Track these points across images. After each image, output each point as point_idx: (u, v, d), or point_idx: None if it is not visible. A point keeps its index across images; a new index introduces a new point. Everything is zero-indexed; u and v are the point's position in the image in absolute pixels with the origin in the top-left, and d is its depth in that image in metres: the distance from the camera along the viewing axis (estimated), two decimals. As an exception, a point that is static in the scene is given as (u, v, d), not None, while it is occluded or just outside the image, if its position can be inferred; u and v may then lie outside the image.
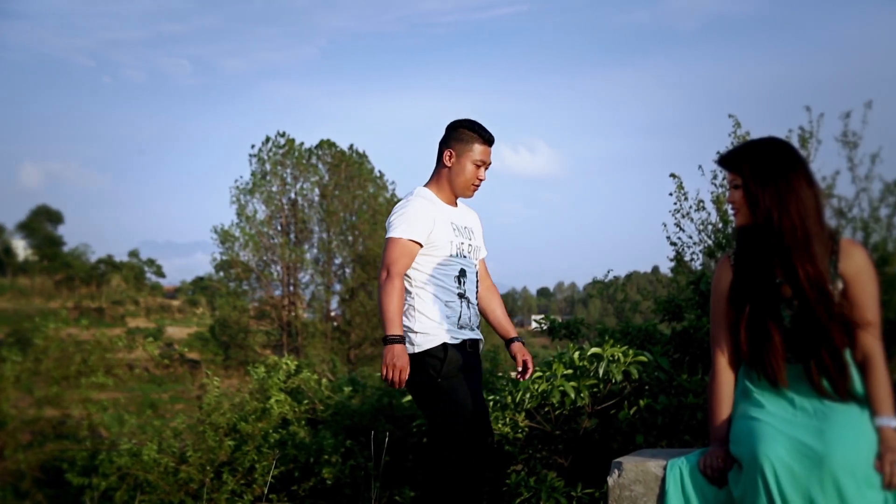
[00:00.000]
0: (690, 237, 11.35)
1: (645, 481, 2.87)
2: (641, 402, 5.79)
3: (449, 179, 4.11)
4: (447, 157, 4.08)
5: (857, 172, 10.24)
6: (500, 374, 8.27)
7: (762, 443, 2.57)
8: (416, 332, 3.96)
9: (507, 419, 5.90)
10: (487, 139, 4.07)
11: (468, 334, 4.06)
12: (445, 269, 4.02)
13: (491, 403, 5.98)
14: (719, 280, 2.96)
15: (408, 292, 4.04)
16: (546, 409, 6.01)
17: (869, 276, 2.82)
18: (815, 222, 2.79)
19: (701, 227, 11.27)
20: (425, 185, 4.17)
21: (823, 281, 2.76)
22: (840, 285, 2.81)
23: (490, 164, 4.12)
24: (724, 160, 2.96)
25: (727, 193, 2.97)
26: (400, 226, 3.96)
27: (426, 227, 3.96)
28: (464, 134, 4.08)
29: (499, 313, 4.33)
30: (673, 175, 11.32)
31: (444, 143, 4.13)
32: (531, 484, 5.66)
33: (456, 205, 4.20)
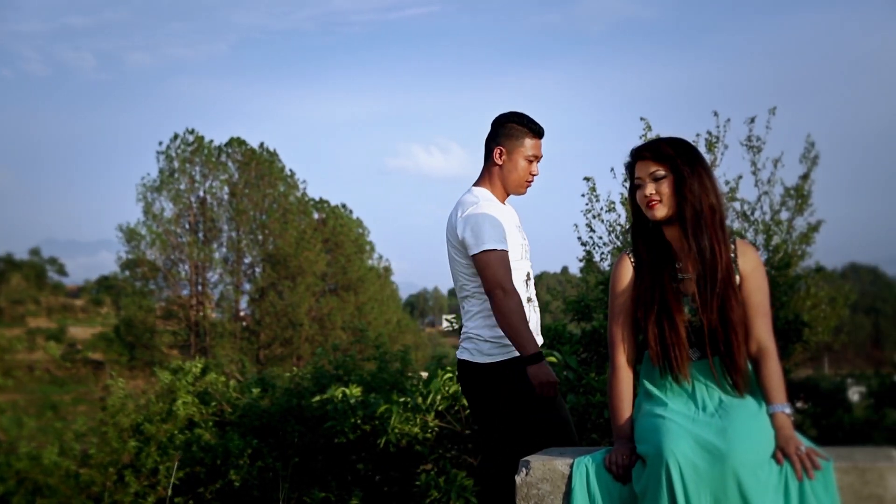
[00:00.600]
0: (601, 238, 11.51)
1: (552, 479, 2.89)
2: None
3: (501, 178, 3.85)
4: (497, 155, 3.84)
5: (759, 176, 10.54)
6: (409, 374, 8.27)
7: (667, 439, 2.62)
8: (503, 337, 3.66)
9: (418, 420, 5.90)
10: (538, 132, 3.86)
11: (538, 340, 3.80)
12: (517, 274, 3.73)
13: (402, 405, 5.96)
14: (619, 278, 2.98)
15: (481, 298, 3.73)
16: (456, 409, 6.02)
17: (762, 273, 2.94)
18: (723, 214, 2.92)
19: (611, 229, 11.44)
20: (477, 185, 3.92)
21: (732, 269, 2.86)
22: (738, 281, 2.89)
23: (542, 157, 3.89)
24: (649, 152, 2.95)
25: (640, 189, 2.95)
26: (493, 235, 3.65)
27: (507, 231, 3.72)
28: (513, 129, 3.83)
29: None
30: (587, 178, 11.47)
31: (493, 140, 3.88)
32: (441, 484, 5.66)
33: (505, 203, 3.95)
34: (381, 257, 38.38)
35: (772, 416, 2.74)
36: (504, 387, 3.67)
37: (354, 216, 37.44)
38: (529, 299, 3.79)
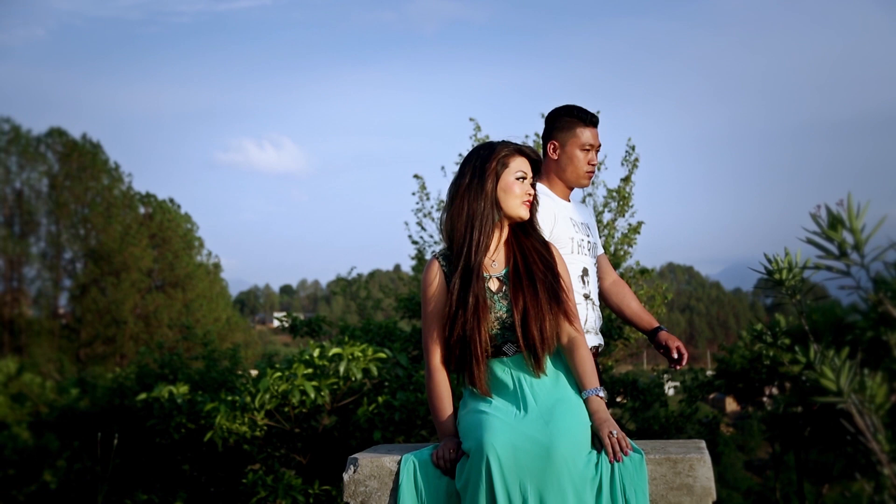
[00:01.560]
0: (431, 236, 11.62)
1: (380, 476, 2.91)
2: (380, 399, 5.87)
3: (557, 172, 3.75)
4: (552, 150, 3.76)
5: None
6: (239, 372, 8.14)
7: (488, 434, 2.67)
8: None
9: (246, 419, 5.82)
10: (591, 121, 3.76)
11: (593, 340, 3.66)
12: (569, 269, 3.50)
13: (230, 403, 5.86)
14: (429, 283, 3.00)
15: None
16: (286, 408, 5.96)
17: (565, 267, 3.07)
18: None
19: (440, 227, 11.54)
20: (538, 182, 3.73)
21: (554, 265, 3.00)
22: None
23: (599, 146, 3.79)
24: (534, 156, 3.04)
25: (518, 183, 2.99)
26: None
27: (547, 225, 3.57)
28: (564, 121, 3.76)
29: (634, 306, 3.90)
30: (416, 176, 11.57)
31: (546, 136, 3.82)
32: (268, 482, 5.61)
33: (569, 200, 3.83)
34: (210, 253, 37.51)
35: (586, 401, 2.86)
36: None
37: (183, 211, 36.45)
38: (586, 296, 3.67)
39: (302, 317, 8.11)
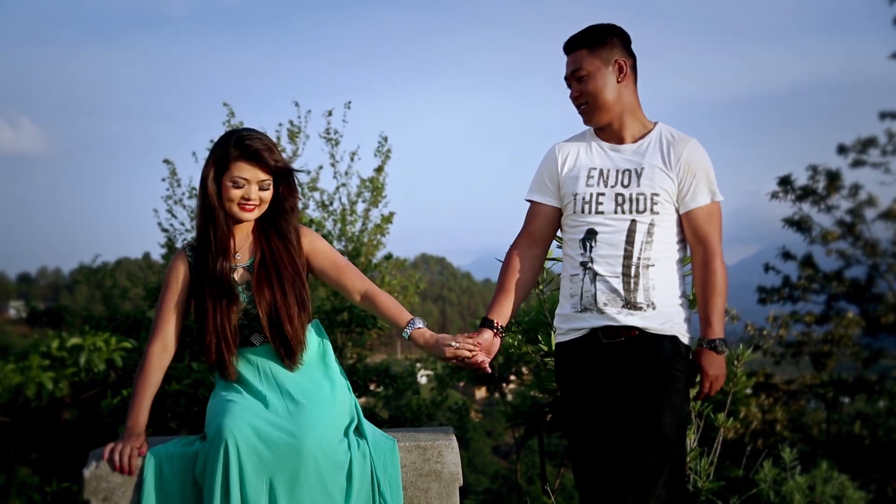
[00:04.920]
0: (182, 224, 11.34)
1: (124, 471, 2.82)
2: (125, 391, 5.70)
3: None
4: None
5: (338, 168, 10.95)
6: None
7: (229, 419, 2.66)
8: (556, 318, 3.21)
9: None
10: (566, 49, 3.18)
11: (595, 320, 3.00)
12: (571, 233, 3.09)
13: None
14: (174, 273, 2.98)
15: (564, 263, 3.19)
16: (21, 402, 5.68)
17: (323, 241, 3.13)
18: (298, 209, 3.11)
19: (192, 215, 11.30)
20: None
21: (297, 253, 3.03)
22: (305, 258, 3.07)
23: (569, 75, 3.16)
24: (261, 161, 2.96)
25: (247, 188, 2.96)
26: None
27: (546, 179, 3.16)
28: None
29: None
30: (167, 161, 11.24)
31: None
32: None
33: (635, 139, 3.12)
34: (-64, 237, 34.80)
35: (410, 338, 3.01)
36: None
37: None
38: (584, 265, 3.03)
39: (42, 306, 7.73)
